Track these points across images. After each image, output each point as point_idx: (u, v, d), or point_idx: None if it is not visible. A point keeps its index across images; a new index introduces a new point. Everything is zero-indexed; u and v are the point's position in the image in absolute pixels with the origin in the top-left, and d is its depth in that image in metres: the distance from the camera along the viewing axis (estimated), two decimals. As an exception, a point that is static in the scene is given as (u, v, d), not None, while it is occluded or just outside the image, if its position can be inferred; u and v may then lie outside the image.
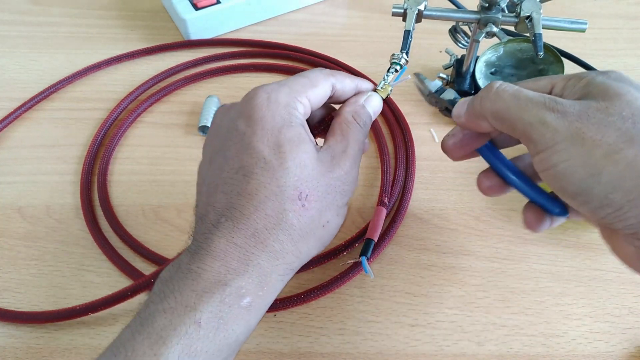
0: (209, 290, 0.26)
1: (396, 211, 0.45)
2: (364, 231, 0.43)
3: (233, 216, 0.27)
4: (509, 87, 0.29)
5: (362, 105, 0.33)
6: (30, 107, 0.53)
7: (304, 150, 0.28)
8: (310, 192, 0.28)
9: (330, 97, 0.33)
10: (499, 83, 0.29)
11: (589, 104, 0.26)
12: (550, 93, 0.29)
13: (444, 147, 0.34)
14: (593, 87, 0.27)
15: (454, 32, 0.50)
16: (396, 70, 0.37)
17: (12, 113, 0.52)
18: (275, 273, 0.28)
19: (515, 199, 0.46)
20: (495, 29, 0.45)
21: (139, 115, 0.53)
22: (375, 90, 0.35)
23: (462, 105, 0.31)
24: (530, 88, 0.29)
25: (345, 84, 0.33)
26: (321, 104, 0.32)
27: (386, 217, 0.44)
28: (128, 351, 0.24)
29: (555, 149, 0.26)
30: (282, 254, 0.28)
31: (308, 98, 0.30)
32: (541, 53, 0.42)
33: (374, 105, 0.34)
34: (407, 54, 0.39)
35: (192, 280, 0.26)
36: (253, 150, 0.28)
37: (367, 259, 0.40)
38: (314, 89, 0.31)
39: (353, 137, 0.31)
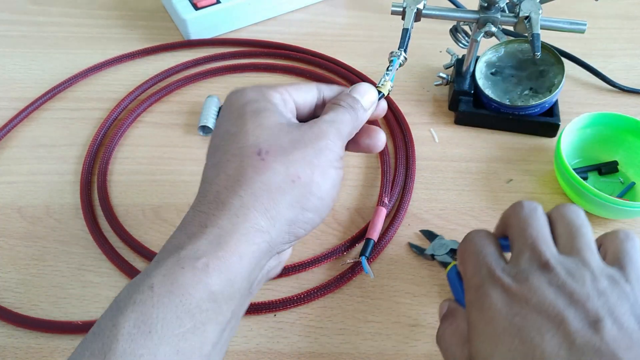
0: (164, 257, 0.26)
1: (396, 211, 0.45)
2: (364, 231, 0.43)
3: (202, 188, 0.28)
4: (478, 239, 0.31)
5: (346, 93, 0.33)
6: (36, 108, 0.53)
7: (265, 116, 0.29)
8: (271, 147, 0.28)
9: (319, 101, 0.33)
10: (475, 235, 0.31)
11: (517, 313, 0.27)
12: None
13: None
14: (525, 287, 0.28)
15: (454, 31, 0.50)
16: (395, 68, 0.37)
17: (19, 113, 0.52)
18: (237, 233, 0.26)
19: (516, 198, 0.46)
20: (493, 29, 0.45)
21: (138, 115, 0.52)
22: (376, 87, 0.35)
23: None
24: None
25: (333, 89, 0.33)
26: (308, 104, 0.32)
27: (386, 217, 0.44)
28: (94, 327, 0.24)
29: (472, 329, 0.28)
30: (242, 211, 0.26)
31: (288, 92, 0.31)
32: (538, 53, 0.42)
33: (360, 90, 0.33)
34: (405, 51, 0.39)
35: (158, 253, 0.27)
36: (219, 129, 0.30)
37: (367, 259, 0.40)
38: (296, 87, 0.32)
39: (334, 113, 0.31)
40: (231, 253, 0.25)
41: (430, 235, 0.43)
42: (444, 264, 0.40)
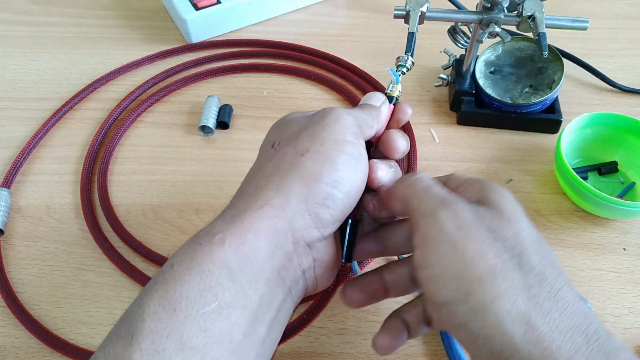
0: (186, 243, 0.27)
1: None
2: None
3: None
4: (425, 179, 0.29)
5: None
6: (69, 109, 0.53)
7: (289, 121, 0.32)
8: (283, 138, 0.30)
9: None
10: (421, 174, 0.29)
11: (484, 213, 0.26)
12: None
13: (346, 295, 0.32)
14: (488, 196, 0.27)
15: (453, 32, 0.50)
16: (403, 73, 0.38)
17: (53, 116, 0.52)
18: (250, 209, 0.26)
19: (516, 198, 0.46)
20: (497, 29, 0.45)
21: (139, 115, 0.53)
22: (385, 93, 0.35)
23: (384, 186, 0.31)
24: (446, 184, 0.30)
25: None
26: None
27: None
28: (124, 313, 0.25)
29: (436, 249, 0.25)
30: (256, 192, 0.27)
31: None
32: (546, 52, 0.42)
33: (367, 95, 0.35)
34: (412, 55, 0.39)
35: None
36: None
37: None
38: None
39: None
40: (246, 229, 0.26)
41: None
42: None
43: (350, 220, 0.31)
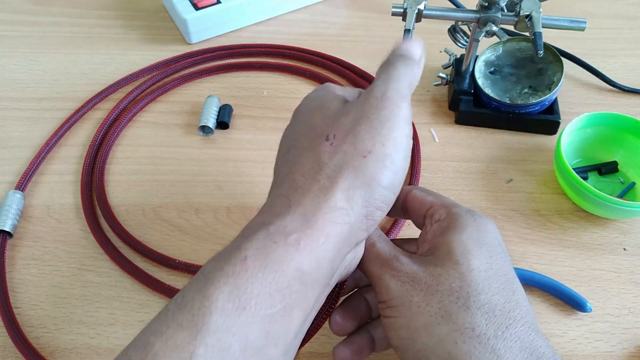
0: (253, 231, 0.25)
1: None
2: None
3: (276, 183, 0.29)
4: (371, 239, 0.30)
5: (392, 52, 0.31)
6: (88, 110, 0.52)
7: (328, 106, 0.30)
8: (337, 131, 0.28)
9: None
10: (371, 236, 0.30)
11: (426, 268, 0.28)
12: (425, 213, 0.31)
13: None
14: (445, 239, 0.28)
15: (453, 31, 0.50)
16: None
17: (72, 115, 0.52)
18: (321, 212, 0.26)
19: (516, 198, 0.46)
20: (495, 28, 0.45)
21: (135, 114, 0.53)
22: None
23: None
24: (414, 205, 0.32)
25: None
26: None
27: (390, 218, 0.44)
28: (178, 298, 0.23)
29: (389, 304, 0.28)
30: (322, 192, 0.26)
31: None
32: (541, 52, 0.42)
33: (405, 45, 0.32)
34: None
35: (241, 231, 0.26)
36: (291, 130, 0.32)
37: None
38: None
39: (386, 74, 0.30)
40: (319, 233, 0.25)
41: None
42: None
43: None
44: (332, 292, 0.32)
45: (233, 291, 0.23)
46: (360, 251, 0.30)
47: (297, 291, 0.24)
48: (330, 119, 0.29)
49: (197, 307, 0.22)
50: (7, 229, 0.42)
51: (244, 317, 0.22)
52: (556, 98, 0.51)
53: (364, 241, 0.30)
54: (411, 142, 0.29)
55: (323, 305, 0.32)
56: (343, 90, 0.32)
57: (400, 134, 0.28)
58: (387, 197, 0.28)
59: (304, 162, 0.28)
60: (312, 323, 0.30)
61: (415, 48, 0.31)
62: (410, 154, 0.29)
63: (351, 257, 0.29)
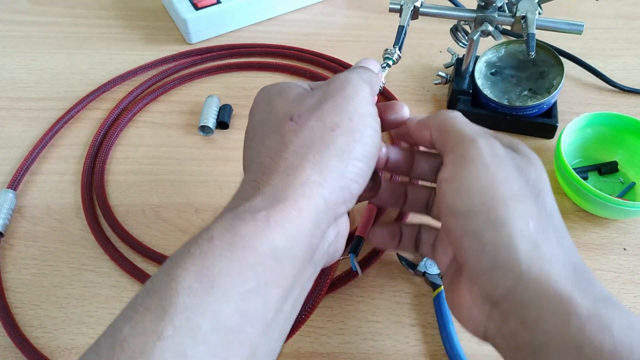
0: (221, 215, 0.25)
1: (400, 211, 0.45)
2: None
3: (246, 170, 0.30)
4: (462, 116, 0.32)
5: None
6: (77, 112, 0.52)
7: (288, 92, 0.30)
8: (301, 111, 0.29)
9: None
10: (454, 111, 0.32)
11: (514, 155, 0.29)
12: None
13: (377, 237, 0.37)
14: (517, 145, 0.30)
15: (454, 31, 0.50)
16: (389, 65, 0.38)
17: (65, 114, 0.52)
18: (291, 188, 0.26)
19: (515, 198, 0.46)
20: (490, 28, 0.45)
21: (135, 114, 0.53)
22: None
23: (413, 118, 0.34)
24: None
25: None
26: None
27: (393, 217, 0.44)
28: (147, 284, 0.23)
29: (470, 167, 0.28)
30: (292, 170, 0.26)
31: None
32: (532, 53, 0.42)
33: (363, 60, 0.35)
34: (400, 49, 0.39)
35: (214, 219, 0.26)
36: (252, 119, 0.32)
37: (356, 256, 0.40)
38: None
39: (347, 71, 0.32)
40: (290, 207, 0.25)
41: None
42: (434, 286, 0.40)
43: None
44: (321, 274, 0.32)
45: (200, 270, 0.22)
46: (343, 228, 0.30)
47: (271, 267, 0.24)
48: (292, 102, 0.30)
49: (164, 290, 0.22)
50: None
51: (214, 295, 0.22)
52: (555, 102, 0.51)
53: (346, 217, 0.30)
54: (378, 121, 0.30)
55: (313, 288, 0.31)
56: (301, 82, 0.33)
57: (365, 112, 0.29)
58: (360, 168, 0.28)
59: (270, 145, 0.28)
60: (304, 306, 0.30)
61: (374, 63, 0.34)
62: (379, 134, 0.30)
63: (334, 233, 0.29)
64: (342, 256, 0.41)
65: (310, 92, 0.30)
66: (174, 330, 0.21)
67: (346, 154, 0.27)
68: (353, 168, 0.28)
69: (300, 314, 0.32)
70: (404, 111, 0.34)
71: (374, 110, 0.30)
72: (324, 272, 0.37)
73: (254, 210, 0.25)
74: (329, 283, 0.38)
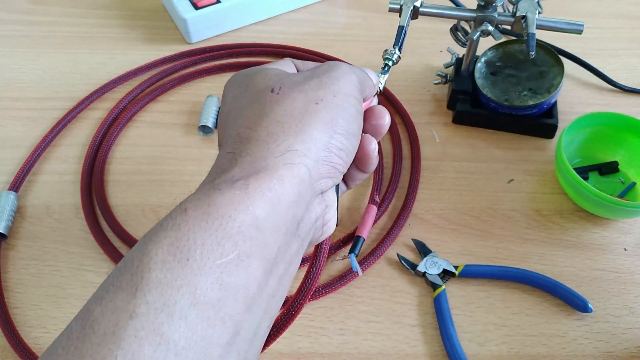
0: (198, 189, 0.24)
1: (400, 211, 0.45)
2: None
3: (222, 142, 0.28)
4: None
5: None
6: (83, 109, 0.52)
7: (268, 69, 0.29)
8: (284, 83, 0.27)
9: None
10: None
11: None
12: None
13: None
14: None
15: (454, 30, 0.50)
16: (389, 67, 0.37)
17: (67, 114, 0.52)
18: (272, 156, 0.24)
19: (516, 199, 0.46)
20: (490, 28, 0.45)
21: (135, 114, 0.52)
22: None
23: None
24: None
25: (307, 63, 0.33)
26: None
27: (392, 217, 0.44)
28: (120, 263, 0.22)
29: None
30: (272, 138, 0.25)
31: (292, 62, 0.32)
32: (532, 52, 0.42)
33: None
34: (400, 49, 0.39)
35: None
36: (226, 99, 0.30)
37: (356, 256, 0.40)
38: (274, 63, 0.32)
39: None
40: (270, 175, 0.24)
41: (422, 248, 0.42)
42: (434, 286, 0.40)
43: None
44: (314, 254, 0.31)
45: (174, 243, 0.21)
46: (332, 202, 0.29)
47: (252, 237, 0.22)
48: (274, 77, 0.28)
49: (136, 266, 0.21)
50: (1, 230, 0.42)
51: (189, 268, 0.20)
52: (556, 102, 0.51)
53: (334, 191, 0.29)
54: (361, 109, 0.29)
55: (308, 271, 0.31)
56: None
57: (350, 93, 0.28)
58: (343, 144, 0.27)
59: (249, 115, 0.26)
60: (292, 303, 0.29)
61: (371, 72, 0.33)
62: (362, 117, 0.29)
63: (321, 206, 0.28)
64: (342, 256, 0.41)
65: (296, 72, 0.30)
66: (147, 307, 0.19)
67: (330, 126, 0.26)
68: (337, 142, 0.26)
69: (288, 311, 0.30)
70: (386, 118, 0.32)
71: (358, 96, 0.29)
72: (311, 272, 0.35)
73: (231, 180, 0.23)
74: (316, 282, 0.35)
